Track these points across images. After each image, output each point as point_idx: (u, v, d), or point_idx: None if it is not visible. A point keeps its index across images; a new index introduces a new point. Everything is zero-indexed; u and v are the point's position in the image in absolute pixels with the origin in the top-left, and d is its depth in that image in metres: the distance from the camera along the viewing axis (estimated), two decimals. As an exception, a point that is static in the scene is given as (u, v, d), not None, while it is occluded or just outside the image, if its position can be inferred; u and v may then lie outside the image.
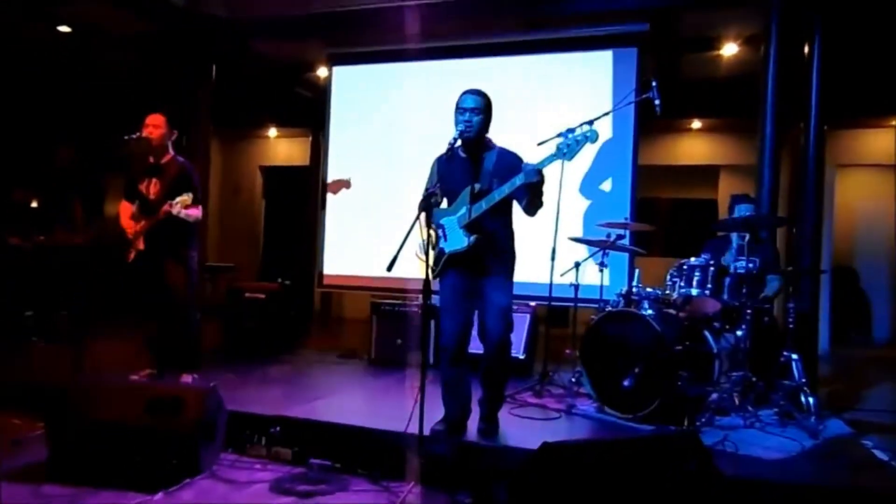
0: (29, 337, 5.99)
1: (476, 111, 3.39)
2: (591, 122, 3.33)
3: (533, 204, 3.35)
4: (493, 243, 3.43)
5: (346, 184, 6.56)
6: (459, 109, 3.41)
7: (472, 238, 3.35)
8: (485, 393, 3.58)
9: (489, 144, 3.51)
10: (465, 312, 3.49)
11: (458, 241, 3.41)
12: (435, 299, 3.86)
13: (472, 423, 3.60)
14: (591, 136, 3.21)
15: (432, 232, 3.36)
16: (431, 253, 3.38)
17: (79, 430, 3.20)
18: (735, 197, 4.87)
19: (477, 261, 3.41)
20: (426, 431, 3.13)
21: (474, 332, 3.55)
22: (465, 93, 3.46)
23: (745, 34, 6.27)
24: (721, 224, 4.78)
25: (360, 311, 7.62)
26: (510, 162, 3.39)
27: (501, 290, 3.44)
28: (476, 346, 3.56)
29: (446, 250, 3.46)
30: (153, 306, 4.40)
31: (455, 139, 3.37)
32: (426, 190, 3.34)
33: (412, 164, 6.29)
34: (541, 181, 3.24)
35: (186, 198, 4.06)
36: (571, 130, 3.27)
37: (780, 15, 5.07)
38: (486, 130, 3.48)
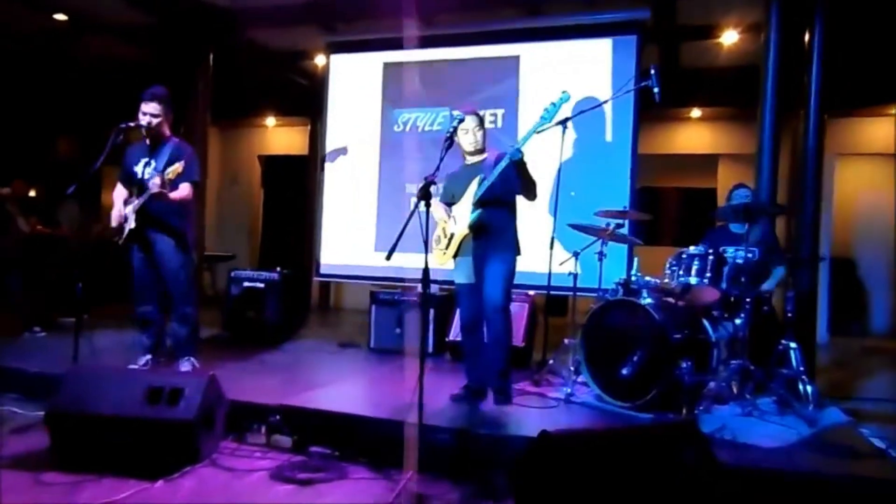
0: (30, 326, 5.99)
1: (474, 130, 3.93)
2: (564, 91, 3.78)
3: (524, 185, 3.82)
4: (494, 222, 3.85)
5: (342, 150, 6.56)
6: (463, 130, 3.89)
7: (479, 211, 3.79)
8: (489, 361, 3.94)
9: (486, 150, 4.05)
10: (475, 289, 3.90)
11: (465, 218, 3.85)
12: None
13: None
14: (564, 97, 3.74)
15: (446, 221, 3.91)
16: (445, 240, 3.95)
17: (79, 418, 3.20)
18: (735, 186, 4.87)
19: (481, 238, 3.85)
20: (429, 416, 3.17)
21: None
22: (462, 119, 3.85)
23: (745, 22, 6.25)
24: (720, 212, 4.77)
25: (359, 300, 7.63)
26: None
27: (499, 261, 3.84)
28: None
29: (455, 233, 3.89)
30: (141, 288, 4.38)
31: (452, 130, 3.68)
32: (425, 178, 3.33)
33: (410, 154, 6.29)
34: (524, 165, 3.72)
35: (177, 166, 4.02)
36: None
37: (780, 2, 5.05)
38: (486, 138, 4.02)
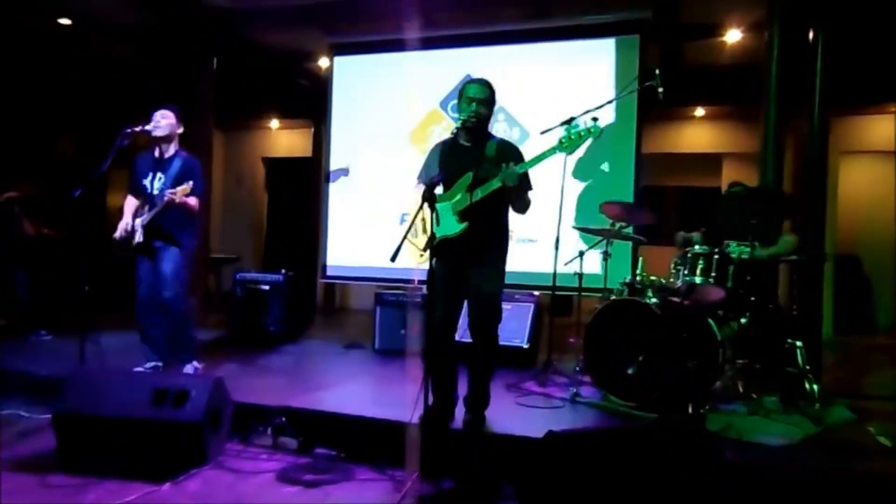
0: (35, 329, 6.01)
1: (483, 102, 3.42)
2: (595, 119, 3.34)
3: (516, 206, 3.44)
4: (484, 233, 3.42)
5: (344, 171, 6.57)
6: (466, 98, 3.44)
7: (464, 225, 3.37)
8: (470, 384, 3.55)
9: (490, 134, 3.55)
10: (453, 301, 3.48)
11: (450, 226, 3.41)
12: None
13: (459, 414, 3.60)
14: (594, 131, 3.28)
15: (426, 216, 3.35)
16: (424, 236, 3.42)
17: (85, 420, 3.22)
18: (730, 184, 4.87)
19: (466, 248, 3.41)
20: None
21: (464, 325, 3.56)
22: (471, 82, 3.50)
23: (748, 20, 6.23)
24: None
25: (364, 302, 7.63)
26: (509, 153, 3.43)
27: (489, 280, 3.45)
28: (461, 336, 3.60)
29: (438, 235, 3.38)
30: (148, 297, 4.40)
31: (457, 129, 3.42)
32: (430, 179, 3.31)
33: (415, 155, 6.30)
34: (521, 185, 3.32)
35: (186, 186, 4.07)
36: (574, 125, 3.33)
37: (783, 0, 5.04)
38: (489, 120, 3.52)
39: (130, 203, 4.44)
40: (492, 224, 3.46)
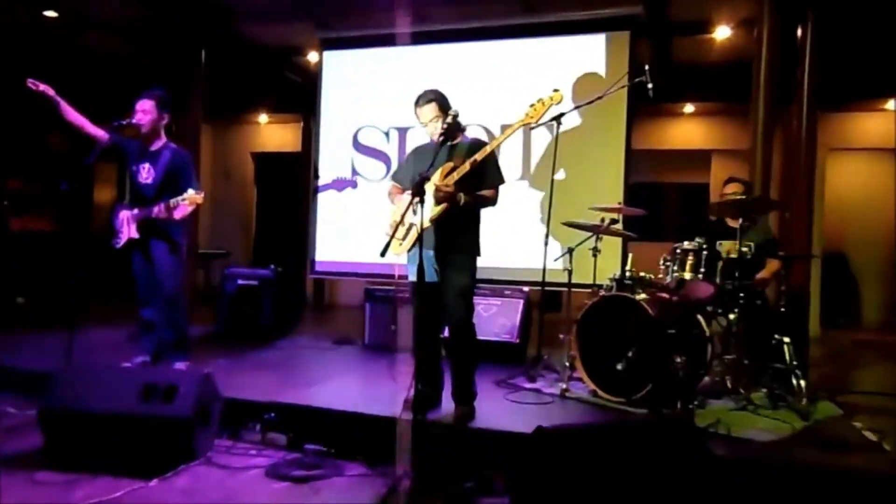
0: (22, 323, 5.97)
1: (430, 122, 3.64)
2: (556, 90, 3.56)
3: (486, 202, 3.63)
4: (457, 219, 3.52)
5: (352, 183, 6.55)
6: (423, 122, 3.67)
7: (441, 207, 3.44)
8: (453, 378, 3.65)
9: (460, 130, 3.70)
10: (434, 294, 3.57)
11: (426, 212, 3.47)
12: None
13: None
14: (556, 98, 3.50)
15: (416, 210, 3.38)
16: (402, 229, 3.57)
17: (73, 416, 3.19)
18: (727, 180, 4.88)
19: (441, 236, 3.52)
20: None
21: None
22: (415, 105, 3.69)
23: (738, 17, 6.26)
24: (714, 207, 4.78)
25: (354, 297, 7.63)
26: (479, 147, 3.56)
27: (460, 270, 3.56)
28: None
29: (416, 223, 3.44)
30: (144, 293, 4.38)
31: (445, 126, 3.51)
32: (418, 174, 3.32)
33: (404, 150, 6.29)
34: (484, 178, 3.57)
35: (197, 196, 4.06)
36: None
37: (773, -2, 5.07)
38: (449, 124, 3.56)
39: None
40: (464, 215, 3.55)
